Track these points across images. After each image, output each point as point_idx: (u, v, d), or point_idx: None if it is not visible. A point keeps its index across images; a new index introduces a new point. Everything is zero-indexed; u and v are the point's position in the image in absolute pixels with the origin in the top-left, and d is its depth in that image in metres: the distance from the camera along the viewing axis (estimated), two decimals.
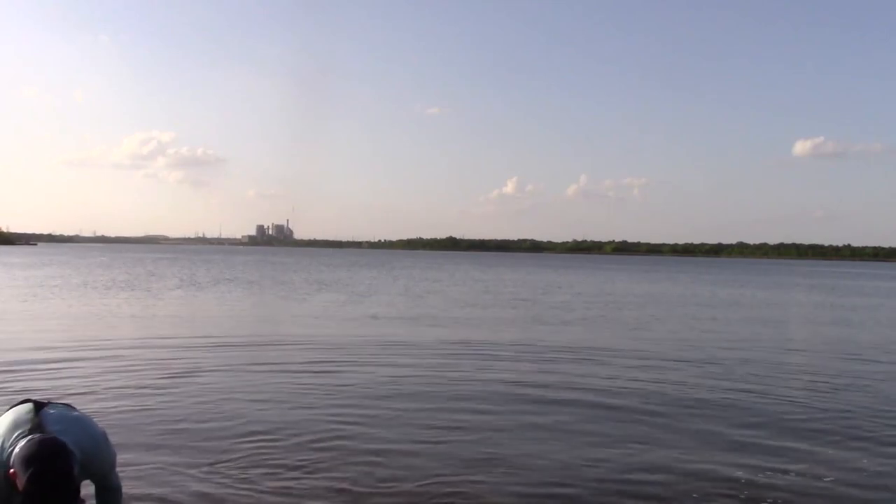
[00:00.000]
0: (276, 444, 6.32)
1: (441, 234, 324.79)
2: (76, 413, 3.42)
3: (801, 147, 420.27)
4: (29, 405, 3.29)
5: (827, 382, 10.10)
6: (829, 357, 13.00)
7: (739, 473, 5.82)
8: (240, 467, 5.64)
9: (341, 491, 5.23)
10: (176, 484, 5.23)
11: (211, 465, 5.68)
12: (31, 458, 2.82)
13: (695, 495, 5.32)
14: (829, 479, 5.74)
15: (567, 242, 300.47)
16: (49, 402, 3.41)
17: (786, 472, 5.89)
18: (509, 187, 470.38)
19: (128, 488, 4.20)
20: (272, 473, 5.54)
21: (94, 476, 3.37)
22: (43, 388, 8.10)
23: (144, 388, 8.53)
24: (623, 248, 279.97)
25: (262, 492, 5.15)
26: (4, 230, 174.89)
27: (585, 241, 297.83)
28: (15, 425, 3.12)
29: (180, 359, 10.73)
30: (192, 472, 5.50)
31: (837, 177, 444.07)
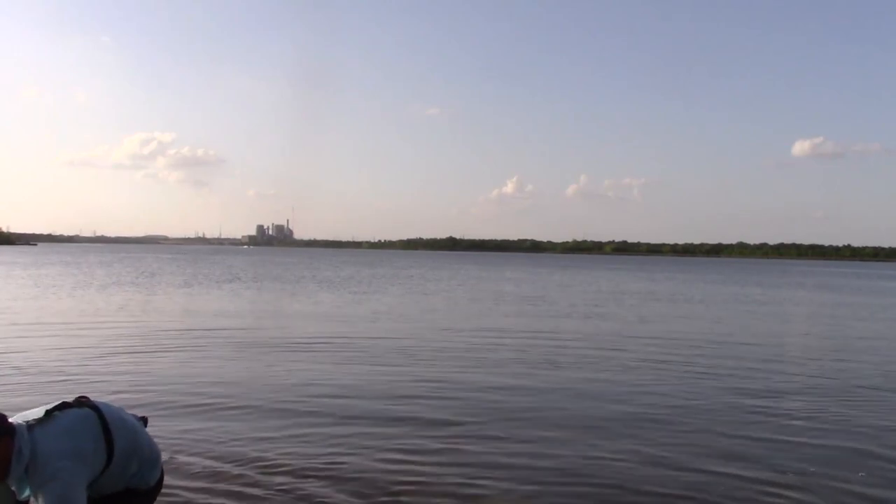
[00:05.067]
0: None
1: (441, 234, 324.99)
2: (75, 443, 2.90)
3: (800, 147, 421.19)
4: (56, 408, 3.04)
5: (856, 381, 10.07)
6: (855, 354, 12.91)
7: (785, 471, 5.80)
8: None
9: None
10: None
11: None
12: None
13: (720, 494, 5.31)
14: (862, 474, 5.74)
15: (567, 242, 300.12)
16: (80, 407, 3.05)
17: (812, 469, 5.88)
18: (509, 187, 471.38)
19: None
20: None
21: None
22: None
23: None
24: (623, 248, 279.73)
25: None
26: (4, 230, 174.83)
27: (585, 241, 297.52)
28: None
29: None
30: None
31: (837, 177, 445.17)
